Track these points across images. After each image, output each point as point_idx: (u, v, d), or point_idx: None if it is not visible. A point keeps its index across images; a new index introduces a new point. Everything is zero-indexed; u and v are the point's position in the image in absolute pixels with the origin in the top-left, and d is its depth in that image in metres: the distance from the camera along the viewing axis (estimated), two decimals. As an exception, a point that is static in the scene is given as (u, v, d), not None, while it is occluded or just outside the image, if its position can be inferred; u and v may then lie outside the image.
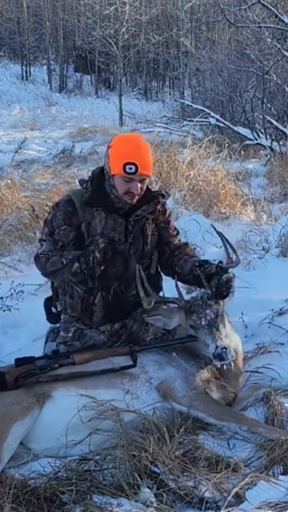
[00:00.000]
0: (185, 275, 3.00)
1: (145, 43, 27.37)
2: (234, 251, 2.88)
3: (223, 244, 2.91)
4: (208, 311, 2.68)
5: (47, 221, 3.04)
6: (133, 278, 2.83)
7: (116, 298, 3.00)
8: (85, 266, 2.84)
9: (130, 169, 2.83)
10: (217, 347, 2.58)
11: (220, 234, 2.94)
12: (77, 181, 7.58)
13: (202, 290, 2.80)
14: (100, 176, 3.01)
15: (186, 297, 2.84)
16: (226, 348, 2.58)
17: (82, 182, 3.09)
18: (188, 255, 3.07)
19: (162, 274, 3.20)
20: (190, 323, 2.72)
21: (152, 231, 3.08)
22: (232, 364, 2.66)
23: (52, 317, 3.21)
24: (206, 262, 2.95)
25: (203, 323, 2.67)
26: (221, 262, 2.88)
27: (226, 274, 2.80)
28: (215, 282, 2.77)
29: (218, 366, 2.65)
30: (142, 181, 2.92)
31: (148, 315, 2.79)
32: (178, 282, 2.88)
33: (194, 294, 2.84)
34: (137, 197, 2.95)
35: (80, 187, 3.06)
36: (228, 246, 2.88)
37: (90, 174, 3.13)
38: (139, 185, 2.91)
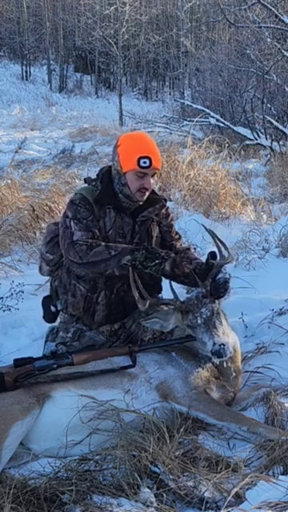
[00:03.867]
0: (185, 276, 3.01)
1: (145, 43, 27.42)
2: (226, 248, 2.88)
3: (214, 242, 2.91)
4: (203, 309, 2.68)
5: (70, 217, 2.94)
6: (140, 277, 2.82)
7: (119, 298, 3.01)
8: (142, 259, 2.77)
9: (145, 162, 2.86)
10: (214, 344, 2.58)
11: (210, 232, 2.94)
12: (77, 180, 7.55)
13: (198, 289, 2.80)
14: (108, 175, 3.02)
15: (184, 297, 2.84)
16: (224, 344, 2.57)
17: (89, 180, 3.08)
18: (190, 257, 3.07)
19: (164, 278, 3.20)
20: (186, 323, 2.72)
21: (156, 233, 3.10)
22: (230, 361, 2.66)
23: (49, 315, 3.21)
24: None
25: (199, 322, 2.67)
26: (213, 252, 2.87)
27: (223, 274, 2.80)
28: (208, 280, 2.77)
29: (217, 363, 2.65)
30: (153, 175, 2.95)
31: (144, 319, 2.80)
32: (174, 283, 2.87)
33: (189, 295, 2.84)
34: (147, 193, 2.96)
35: (86, 185, 3.06)
36: (220, 244, 2.88)
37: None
38: (152, 180, 2.94)
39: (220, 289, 2.75)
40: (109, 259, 2.79)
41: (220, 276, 2.78)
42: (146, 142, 2.94)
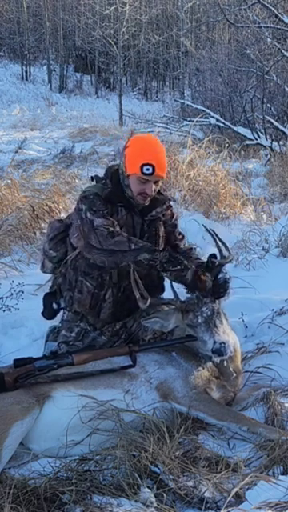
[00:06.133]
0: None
1: (145, 43, 27.40)
2: (227, 248, 2.89)
3: (215, 241, 2.92)
4: (204, 309, 2.69)
5: (85, 209, 2.90)
6: (143, 277, 2.82)
7: (125, 296, 3.00)
8: (156, 263, 2.75)
9: (148, 170, 2.85)
10: (215, 342, 2.59)
11: (211, 232, 2.94)
12: (77, 180, 7.53)
13: None
14: (117, 174, 3.01)
15: (184, 297, 2.85)
16: (224, 343, 2.58)
17: (97, 178, 3.07)
18: (192, 257, 3.08)
19: (182, 284, 3.20)
20: (187, 322, 2.73)
21: (162, 233, 3.10)
22: (230, 361, 2.67)
23: (50, 312, 3.20)
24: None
25: (199, 321, 2.68)
26: (214, 255, 2.88)
27: (223, 274, 2.81)
28: (209, 279, 2.77)
29: (218, 361, 2.65)
30: (156, 182, 2.94)
31: (145, 319, 2.80)
32: (174, 283, 2.87)
33: (189, 295, 2.85)
34: (149, 198, 2.96)
35: (94, 183, 3.05)
36: (220, 244, 2.89)
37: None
38: (154, 186, 2.93)
39: (220, 289, 2.77)
40: (126, 251, 2.77)
41: (220, 276, 2.80)
42: (152, 149, 2.92)
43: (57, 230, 3.20)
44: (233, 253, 2.90)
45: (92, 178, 3.11)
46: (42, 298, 3.24)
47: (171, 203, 3.22)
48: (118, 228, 2.86)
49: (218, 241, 2.89)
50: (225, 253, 2.86)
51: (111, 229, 2.82)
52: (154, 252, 2.77)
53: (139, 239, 2.95)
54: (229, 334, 2.70)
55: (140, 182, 2.90)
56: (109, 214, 2.92)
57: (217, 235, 2.92)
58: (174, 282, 2.86)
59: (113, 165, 3.13)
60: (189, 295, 2.84)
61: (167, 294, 3.05)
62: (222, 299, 2.81)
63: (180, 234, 3.22)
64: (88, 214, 2.88)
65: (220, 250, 2.86)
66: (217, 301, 2.76)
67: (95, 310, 3.03)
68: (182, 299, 2.79)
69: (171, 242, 3.14)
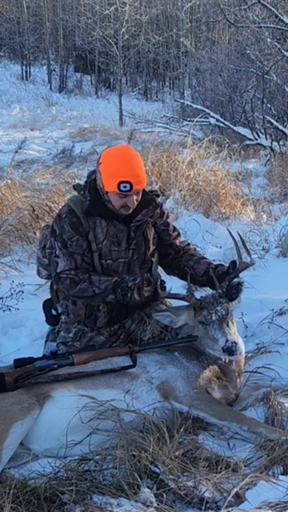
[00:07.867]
0: (198, 276, 3.01)
1: (145, 43, 27.38)
2: (248, 253, 2.93)
3: (235, 246, 2.95)
4: (219, 308, 2.73)
5: (56, 235, 2.92)
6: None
7: (120, 304, 2.94)
8: (121, 297, 2.79)
9: (125, 187, 2.79)
10: (227, 341, 2.62)
11: (238, 236, 3.00)
12: (77, 180, 7.56)
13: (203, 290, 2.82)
14: (95, 185, 2.94)
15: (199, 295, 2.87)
16: (235, 343, 2.63)
17: (78, 188, 3.01)
18: (196, 256, 3.07)
19: (166, 274, 3.19)
20: (199, 319, 2.74)
21: (152, 235, 3.06)
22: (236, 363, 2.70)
23: (51, 318, 3.20)
24: (221, 265, 3.01)
25: (214, 318, 2.70)
26: (235, 261, 2.90)
27: (238, 278, 2.84)
28: (225, 283, 2.80)
29: (227, 361, 2.67)
30: (137, 193, 2.89)
31: (156, 311, 2.81)
32: (177, 279, 2.89)
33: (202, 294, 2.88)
34: (131, 209, 2.91)
35: (76, 193, 3.01)
36: (244, 248, 2.94)
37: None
38: (135, 197, 2.87)
39: (233, 290, 2.80)
40: (93, 296, 2.84)
41: (235, 280, 2.83)
42: (126, 164, 2.81)
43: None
44: (233, 253, 2.92)
45: (74, 188, 3.06)
46: (42, 306, 3.24)
47: (165, 201, 3.18)
48: (81, 265, 2.87)
49: (238, 245, 2.92)
50: (246, 258, 2.89)
51: (72, 275, 2.84)
52: (115, 291, 2.79)
53: (127, 246, 2.94)
54: (238, 337, 2.76)
55: (120, 198, 2.84)
56: (84, 230, 2.89)
57: (242, 240, 2.99)
58: (177, 279, 2.88)
59: (93, 171, 3.02)
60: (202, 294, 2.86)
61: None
62: (234, 302, 2.84)
63: (175, 230, 3.16)
64: (57, 247, 2.91)
65: (239, 255, 2.88)
66: (230, 303, 2.80)
67: (91, 319, 3.04)
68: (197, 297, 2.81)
69: (165, 241, 3.10)
